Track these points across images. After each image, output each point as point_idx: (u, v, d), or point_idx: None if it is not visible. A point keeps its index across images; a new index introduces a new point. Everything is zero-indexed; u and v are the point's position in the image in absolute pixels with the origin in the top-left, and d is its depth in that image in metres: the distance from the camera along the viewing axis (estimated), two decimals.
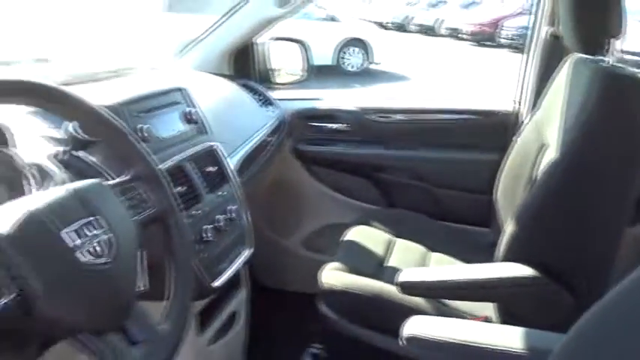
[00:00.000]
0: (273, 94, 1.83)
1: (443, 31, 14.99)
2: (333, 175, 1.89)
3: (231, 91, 1.62)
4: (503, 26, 12.82)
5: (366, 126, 1.82)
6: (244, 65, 1.81)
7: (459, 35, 14.16)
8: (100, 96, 0.98)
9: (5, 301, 0.57)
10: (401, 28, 16.39)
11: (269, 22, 1.72)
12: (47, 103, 0.78)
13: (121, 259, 0.68)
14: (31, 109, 0.94)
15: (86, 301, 0.64)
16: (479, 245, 1.49)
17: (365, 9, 17.98)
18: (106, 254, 0.67)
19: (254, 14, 1.70)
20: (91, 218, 0.67)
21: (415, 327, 0.87)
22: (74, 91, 0.81)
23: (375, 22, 15.04)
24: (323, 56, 8.62)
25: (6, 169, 0.81)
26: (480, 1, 16.59)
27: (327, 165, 1.88)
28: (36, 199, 0.64)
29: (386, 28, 15.68)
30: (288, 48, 1.92)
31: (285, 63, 1.92)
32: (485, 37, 13.32)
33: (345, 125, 1.83)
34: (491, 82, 6.74)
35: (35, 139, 0.92)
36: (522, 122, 1.64)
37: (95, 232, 0.67)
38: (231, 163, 1.28)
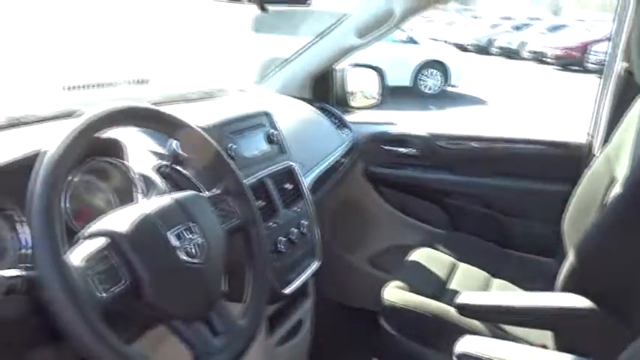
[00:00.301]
0: (349, 117, 1.94)
1: (526, 55, 14.62)
2: (402, 198, 1.96)
3: (309, 114, 1.74)
4: (591, 50, 12.32)
5: (435, 152, 1.89)
6: (323, 89, 1.93)
7: (543, 59, 13.74)
8: (196, 117, 1.12)
9: (122, 286, 0.70)
10: (482, 50, 16.16)
11: (349, 51, 1.84)
12: (156, 124, 0.92)
13: (210, 260, 0.81)
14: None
15: (182, 293, 0.77)
16: (543, 275, 1.51)
17: (446, 31, 17.88)
18: (199, 256, 0.79)
19: (335, 44, 1.82)
20: (190, 224, 0.80)
21: (468, 345, 0.93)
22: (172, 111, 0.95)
23: (456, 44, 14.89)
24: (400, 77, 8.69)
25: (121, 178, 0.97)
26: (569, 24, 16.04)
27: (397, 187, 1.95)
28: (148, 205, 0.78)
29: (467, 50, 15.51)
30: (365, 74, 2.03)
31: (361, 87, 2.03)
32: (571, 62, 12.85)
33: (416, 150, 1.90)
34: (572, 110, 6.51)
35: (143, 153, 1.08)
36: (594, 155, 1.64)
37: (191, 235, 0.80)
38: (306, 181, 1.39)
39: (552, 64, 13.38)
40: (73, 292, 0.65)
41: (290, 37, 6.04)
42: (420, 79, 9.08)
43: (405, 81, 8.87)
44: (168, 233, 0.76)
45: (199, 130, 0.96)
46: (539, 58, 13.98)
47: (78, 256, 0.70)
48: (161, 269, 0.74)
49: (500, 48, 15.81)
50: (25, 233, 0.82)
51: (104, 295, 0.69)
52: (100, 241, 0.72)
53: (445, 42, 13.86)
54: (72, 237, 0.77)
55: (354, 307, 1.91)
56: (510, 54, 15.27)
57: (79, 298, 0.65)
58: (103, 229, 0.74)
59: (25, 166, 0.79)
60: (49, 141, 0.74)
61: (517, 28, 16.73)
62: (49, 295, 0.65)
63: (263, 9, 1.15)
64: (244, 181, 1.01)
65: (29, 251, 0.81)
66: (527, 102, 8.51)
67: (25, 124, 1.14)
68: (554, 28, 15.36)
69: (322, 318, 1.55)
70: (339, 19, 1.81)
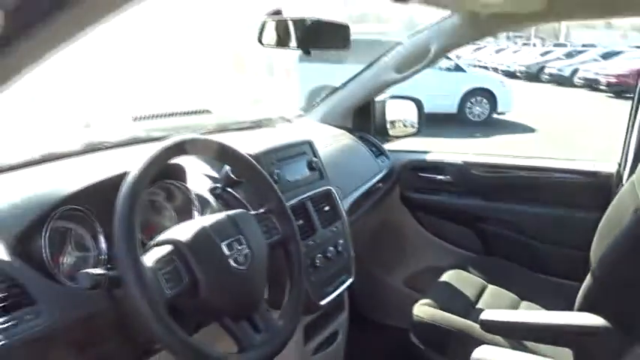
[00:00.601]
0: (389, 145, 2.07)
1: (577, 82, 14.33)
2: (437, 222, 2.06)
3: (349, 142, 1.88)
4: None
5: (469, 179, 1.98)
6: (364, 120, 2.06)
7: (595, 86, 13.43)
8: (247, 145, 1.28)
9: (183, 286, 0.86)
10: (533, 77, 15.96)
11: (388, 85, 1.98)
12: (214, 153, 1.08)
13: (255, 268, 0.95)
14: None
15: (231, 294, 0.91)
16: (572, 299, 1.57)
17: (495, 58, 17.80)
18: (245, 263, 0.94)
19: (375, 78, 1.96)
20: (239, 236, 0.95)
21: (483, 353, 1.03)
22: (226, 138, 1.11)
23: (506, 71, 14.79)
24: (447, 105, 8.77)
25: (181, 198, 1.14)
26: (623, 50, 15.66)
27: (432, 212, 2.06)
28: (206, 220, 0.94)
29: (517, 77, 15.38)
30: (404, 105, 2.16)
31: (401, 117, 2.16)
32: (626, 89, 12.49)
33: (450, 177, 2.01)
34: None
35: (200, 176, 1.24)
36: (623, 184, 1.69)
37: (240, 246, 0.94)
38: (344, 204, 1.52)
39: (605, 91, 13.06)
40: (146, 287, 0.80)
41: (333, 65, 6.28)
42: (466, 107, 9.11)
43: (452, 108, 8.94)
44: (221, 243, 0.91)
45: (249, 157, 1.12)
46: (591, 85, 13.68)
47: (149, 259, 0.86)
48: (214, 273, 0.89)
49: (551, 75, 15.57)
50: (102, 242, 0.99)
51: (169, 292, 0.84)
52: (167, 248, 0.88)
53: (494, 69, 13.80)
54: (141, 246, 0.93)
55: (389, 325, 2.00)
56: (561, 81, 15.00)
57: (151, 292, 0.80)
58: (169, 238, 0.90)
59: (106, 185, 0.97)
60: (132, 164, 0.90)
61: (569, 54, 16.46)
62: (128, 289, 0.81)
63: (307, 52, 1.31)
64: (286, 202, 1.15)
65: (105, 257, 0.98)
66: (577, 129, 8.35)
67: (101, 149, 1.33)
68: (609, 55, 15.01)
69: (358, 333, 1.66)
70: (386, 50, 1.95)
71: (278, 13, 1.29)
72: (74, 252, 0.97)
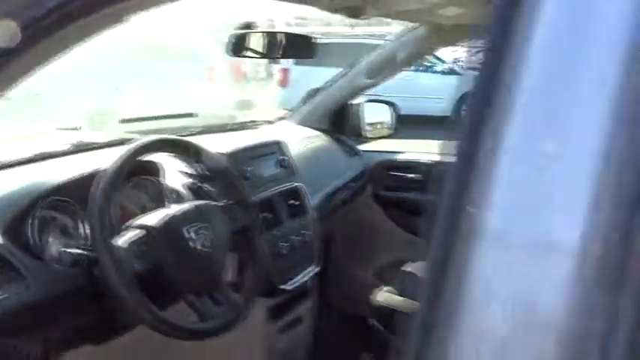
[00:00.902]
0: (366, 146, 2.21)
1: None
2: (407, 218, 2.18)
3: (322, 143, 2.02)
4: None
5: (437, 176, 2.11)
6: (340, 122, 2.20)
7: None
8: (222, 145, 1.43)
9: (152, 264, 1.00)
10: None
11: (361, 90, 2.12)
12: (184, 151, 1.23)
13: (217, 251, 1.10)
14: None
15: (193, 272, 1.06)
16: None
17: None
18: (207, 246, 1.08)
19: (349, 83, 2.10)
20: (204, 224, 1.09)
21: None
22: (209, 140, 1.24)
23: None
24: (442, 108, 8.89)
25: (156, 192, 1.28)
26: None
27: (402, 209, 2.18)
28: (174, 208, 1.08)
29: None
30: (379, 107, 2.30)
31: (379, 119, 2.30)
32: None
33: (420, 175, 2.14)
34: None
35: (175, 173, 1.38)
36: None
37: (205, 232, 1.09)
38: (313, 200, 1.66)
39: None
40: (119, 265, 0.94)
41: (326, 68, 6.39)
42: (462, 110, 9.21)
43: (448, 111, 9.04)
44: (188, 228, 1.06)
45: (218, 155, 1.26)
46: None
47: (122, 241, 1.00)
48: (180, 254, 1.04)
49: None
50: (84, 229, 1.13)
51: (139, 268, 0.98)
52: (138, 231, 1.02)
53: None
54: (117, 231, 1.07)
55: (358, 315, 2.13)
56: None
57: (123, 269, 0.95)
58: (140, 223, 1.04)
59: (88, 179, 1.11)
60: (106, 162, 1.05)
61: None
62: (103, 267, 0.95)
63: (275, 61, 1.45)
64: (256, 196, 1.30)
65: (87, 242, 1.12)
66: None
67: (89, 150, 1.48)
68: None
69: (327, 322, 1.79)
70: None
71: (248, 26, 1.43)
72: (59, 238, 1.11)
